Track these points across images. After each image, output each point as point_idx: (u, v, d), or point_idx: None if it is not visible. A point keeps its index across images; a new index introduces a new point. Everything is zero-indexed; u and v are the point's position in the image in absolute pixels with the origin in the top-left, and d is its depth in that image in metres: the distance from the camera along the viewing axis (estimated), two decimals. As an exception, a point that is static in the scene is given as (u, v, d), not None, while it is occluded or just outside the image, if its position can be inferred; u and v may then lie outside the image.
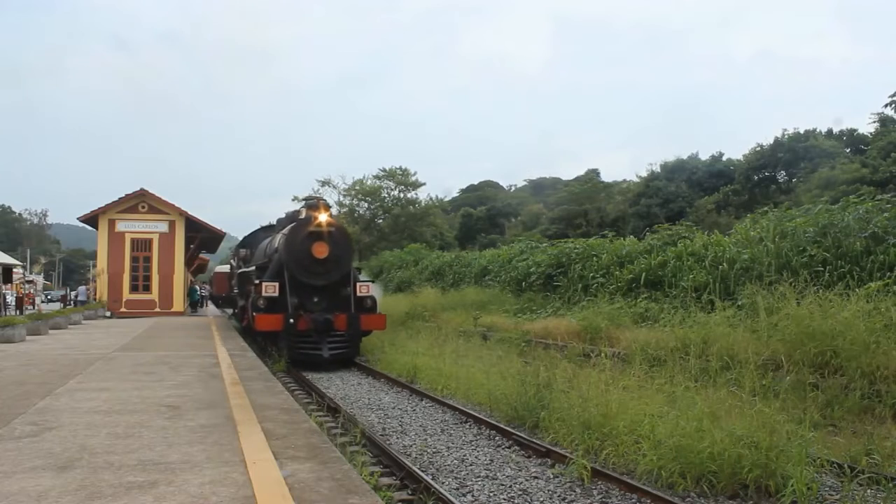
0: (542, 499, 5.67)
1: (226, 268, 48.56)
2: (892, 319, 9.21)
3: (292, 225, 15.15)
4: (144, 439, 5.02)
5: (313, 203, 15.60)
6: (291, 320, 13.78)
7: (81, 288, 32.65)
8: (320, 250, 14.58)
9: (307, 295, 14.61)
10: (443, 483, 6.03)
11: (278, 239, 15.77)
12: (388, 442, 7.59)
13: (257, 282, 14.95)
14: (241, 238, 23.49)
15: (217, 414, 6.04)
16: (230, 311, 27.80)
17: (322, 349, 14.01)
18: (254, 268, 16.67)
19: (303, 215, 15.46)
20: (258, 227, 22.46)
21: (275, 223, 20.22)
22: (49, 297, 50.94)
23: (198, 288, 39.38)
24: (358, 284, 15.08)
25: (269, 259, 15.98)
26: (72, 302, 33.14)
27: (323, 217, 14.65)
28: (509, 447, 7.41)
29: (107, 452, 4.61)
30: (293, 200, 43.26)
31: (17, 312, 28.27)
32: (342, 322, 14.22)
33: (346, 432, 7.84)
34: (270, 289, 14.29)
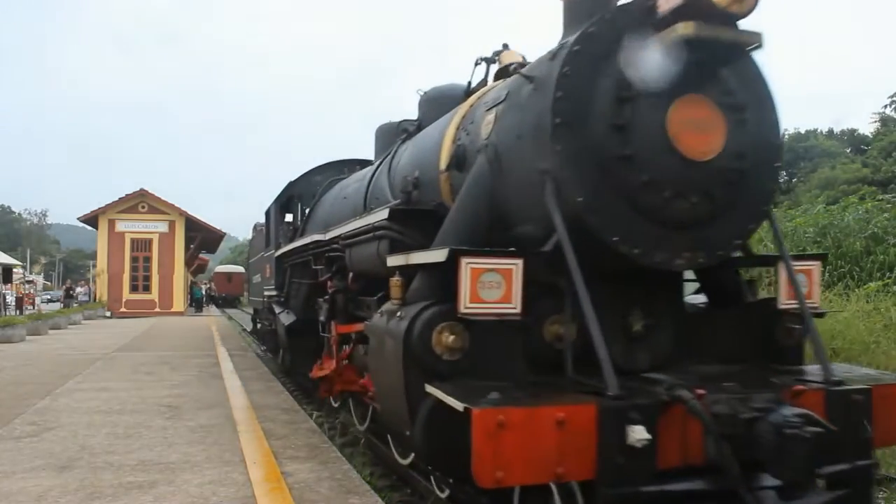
0: (541, 499, 5.66)
1: (226, 268, 48.51)
2: (892, 319, 9.22)
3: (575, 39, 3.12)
4: (144, 439, 5.02)
5: None
6: (646, 439, 2.40)
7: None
8: (702, 135, 2.94)
9: (614, 304, 3.22)
10: (443, 483, 6.02)
11: (499, 110, 3.66)
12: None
13: (420, 258, 3.32)
14: (241, 239, 15.01)
15: (217, 414, 6.04)
16: (248, 317, 20.07)
17: None
18: (379, 218, 4.15)
19: (492, 76, 4.77)
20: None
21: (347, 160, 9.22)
22: (49, 297, 50.89)
23: (201, 287, 39.33)
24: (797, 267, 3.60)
25: (405, 195, 4.27)
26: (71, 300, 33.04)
27: None
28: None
29: (107, 452, 4.62)
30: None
31: (17, 312, 28.28)
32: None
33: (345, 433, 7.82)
34: (493, 282, 2.85)
